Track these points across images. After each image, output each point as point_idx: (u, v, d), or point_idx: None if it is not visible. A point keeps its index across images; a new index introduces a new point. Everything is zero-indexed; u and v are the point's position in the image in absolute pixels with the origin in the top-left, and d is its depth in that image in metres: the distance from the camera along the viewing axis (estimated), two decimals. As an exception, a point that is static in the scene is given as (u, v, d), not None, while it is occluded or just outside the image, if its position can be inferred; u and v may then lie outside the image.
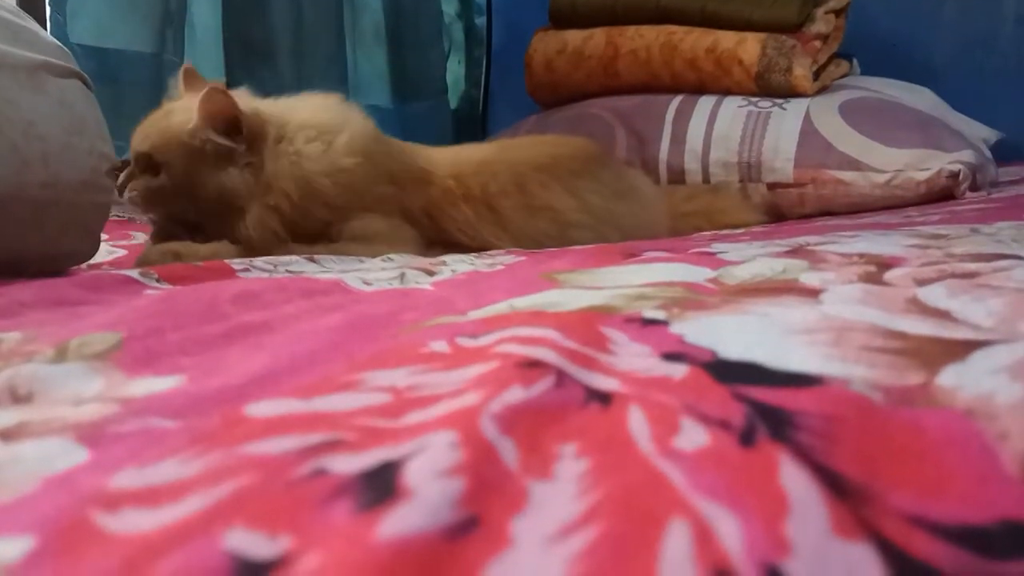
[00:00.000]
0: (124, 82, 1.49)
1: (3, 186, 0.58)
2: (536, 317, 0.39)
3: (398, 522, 0.21)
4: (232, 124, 0.89)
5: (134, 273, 0.63)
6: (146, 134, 0.94)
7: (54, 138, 0.63)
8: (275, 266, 0.72)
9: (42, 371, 0.33)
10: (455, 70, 2.15)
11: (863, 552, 0.20)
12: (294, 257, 0.76)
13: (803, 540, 0.20)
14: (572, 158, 1.09)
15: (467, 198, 0.97)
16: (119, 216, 1.33)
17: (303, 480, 0.23)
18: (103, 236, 1.16)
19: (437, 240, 0.97)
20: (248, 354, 0.36)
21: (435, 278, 0.59)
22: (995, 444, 0.23)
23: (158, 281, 0.62)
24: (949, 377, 0.27)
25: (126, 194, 0.93)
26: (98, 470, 0.24)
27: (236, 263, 0.72)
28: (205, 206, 0.91)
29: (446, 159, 1.01)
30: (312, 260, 0.75)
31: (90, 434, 0.27)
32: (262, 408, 0.29)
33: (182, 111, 0.92)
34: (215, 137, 0.88)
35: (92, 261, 1.03)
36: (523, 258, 0.72)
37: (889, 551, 0.20)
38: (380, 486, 0.22)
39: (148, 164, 0.92)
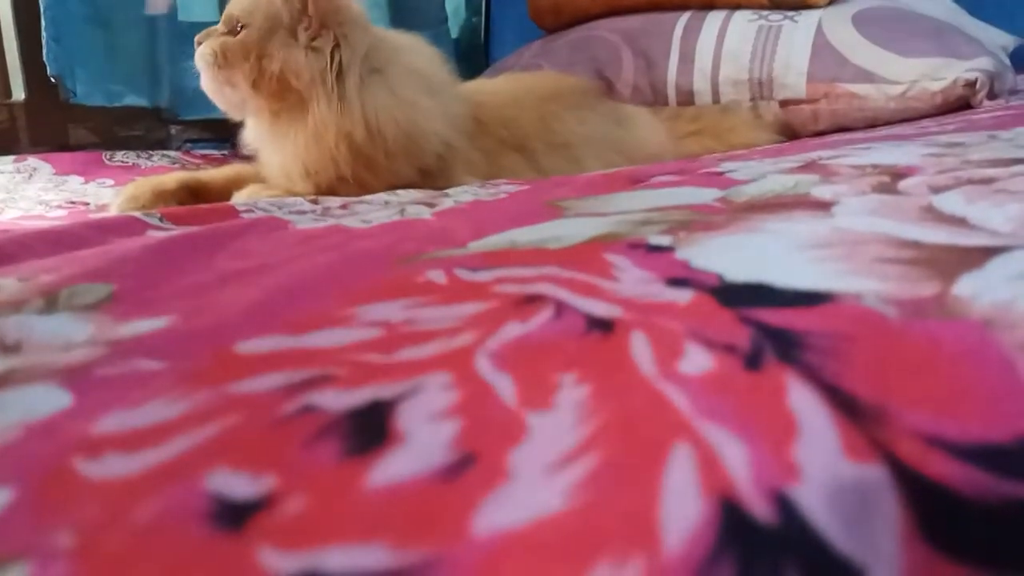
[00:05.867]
0: (116, 25, 1.47)
1: None
2: (537, 255, 0.38)
3: (389, 468, 0.20)
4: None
5: (138, 213, 0.62)
6: None
7: None
8: (279, 208, 0.71)
9: (30, 320, 0.33)
10: (455, -3, 2.10)
11: (876, 475, 0.19)
12: (298, 199, 0.74)
13: (813, 464, 0.19)
14: (573, 90, 1.07)
15: (510, 144, 0.93)
16: (124, 162, 1.32)
17: (290, 418, 0.22)
18: (109, 180, 1.16)
19: None
20: (240, 293, 0.35)
21: (436, 208, 0.57)
22: (1014, 355, 0.22)
23: (161, 221, 0.61)
24: (966, 286, 0.26)
25: (199, 51, 0.87)
26: (81, 415, 0.23)
27: (240, 204, 0.71)
28: (268, 83, 0.84)
29: (477, 100, 0.96)
30: (315, 201, 0.74)
31: (75, 379, 0.26)
32: (251, 345, 0.28)
33: None
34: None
35: (103, 200, 1.03)
36: (527, 186, 0.70)
37: (904, 473, 0.19)
38: (371, 429, 0.21)
39: (231, 25, 0.86)
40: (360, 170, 0.83)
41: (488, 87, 1.06)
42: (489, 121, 0.93)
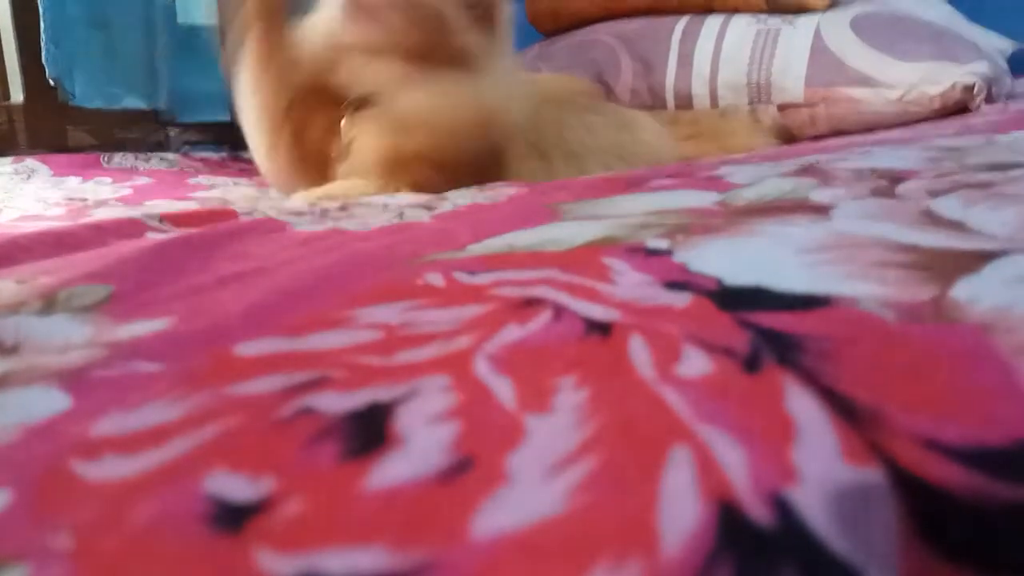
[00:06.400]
0: (115, 28, 1.47)
1: None
2: (535, 259, 0.38)
3: (388, 471, 0.20)
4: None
5: (137, 214, 0.62)
6: None
7: None
8: (278, 210, 0.71)
9: (29, 322, 0.33)
10: (454, 1, 2.10)
11: (874, 478, 0.19)
12: (298, 204, 0.75)
13: (811, 467, 0.19)
14: (579, 93, 1.07)
15: (536, 149, 0.91)
16: (122, 164, 1.32)
17: (289, 420, 0.22)
18: (108, 180, 1.16)
19: None
20: (238, 295, 0.35)
21: (435, 212, 0.57)
22: (1012, 359, 0.22)
23: (160, 222, 0.61)
24: (963, 290, 0.26)
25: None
26: (80, 417, 0.23)
27: (240, 207, 0.71)
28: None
29: None
30: (314, 204, 0.74)
31: (74, 380, 0.26)
32: (249, 347, 0.28)
33: None
34: None
35: (101, 197, 1.03)
36: (525, 189, 0.70)
37: (902, 476, 0.19)
38: (369, 432, 0.22)
39: None
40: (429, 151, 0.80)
41: None
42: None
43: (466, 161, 0.81)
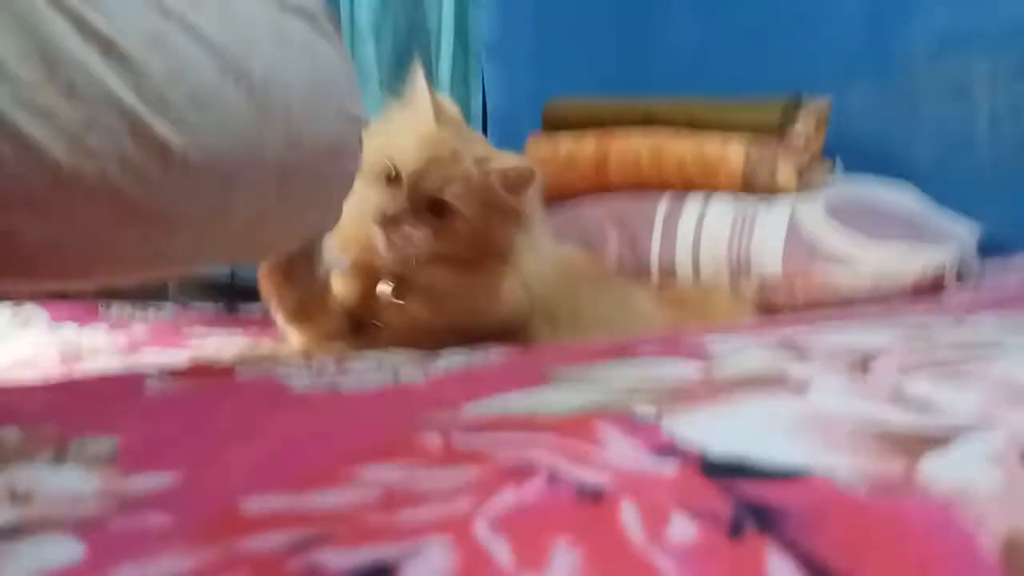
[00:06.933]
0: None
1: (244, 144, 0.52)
2: (529, 423, 0.40)
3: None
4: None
5: (137, 367, 0.63)
6: (439, 178, 0.87)
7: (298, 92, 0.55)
8: (274, 366, 0.72)
9: (41, 471, 0.34)
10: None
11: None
12: (294, 360, 0.76)
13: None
14: (592, 267, 1.12)
15: (548, 317, 0.97)
16: (119, 315, 1.35)
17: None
18: (104, 327, 1.18)
19: None
20: (241, 451, 0.36)
21: (429, 373, 0.59)
22: (973, 531, 0.24)
23: (161, 375, 0.62)
24: (930, 466, 0.28)
25: (399, 236, 0.85)
26: (95, 568, 0.24)
27: (237, 362, 0.72)
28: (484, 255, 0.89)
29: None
30: (310, 360, 0.76)
31: (87, 531, 0.27)
32: (255, 502, 0.29)
33: (472, 159, 0.89)
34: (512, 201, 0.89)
35: (96, 345, 1.05)
36: (518, 353, 0.73)
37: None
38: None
39: (435, 208, 0.87)
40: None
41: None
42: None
43: (491, 334, 0.88)
